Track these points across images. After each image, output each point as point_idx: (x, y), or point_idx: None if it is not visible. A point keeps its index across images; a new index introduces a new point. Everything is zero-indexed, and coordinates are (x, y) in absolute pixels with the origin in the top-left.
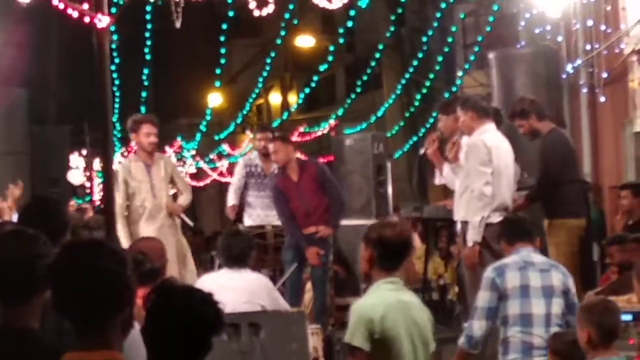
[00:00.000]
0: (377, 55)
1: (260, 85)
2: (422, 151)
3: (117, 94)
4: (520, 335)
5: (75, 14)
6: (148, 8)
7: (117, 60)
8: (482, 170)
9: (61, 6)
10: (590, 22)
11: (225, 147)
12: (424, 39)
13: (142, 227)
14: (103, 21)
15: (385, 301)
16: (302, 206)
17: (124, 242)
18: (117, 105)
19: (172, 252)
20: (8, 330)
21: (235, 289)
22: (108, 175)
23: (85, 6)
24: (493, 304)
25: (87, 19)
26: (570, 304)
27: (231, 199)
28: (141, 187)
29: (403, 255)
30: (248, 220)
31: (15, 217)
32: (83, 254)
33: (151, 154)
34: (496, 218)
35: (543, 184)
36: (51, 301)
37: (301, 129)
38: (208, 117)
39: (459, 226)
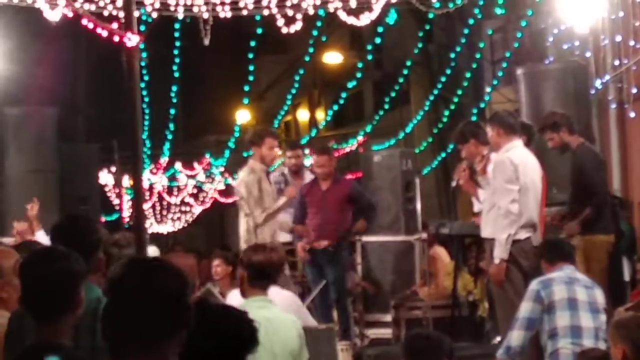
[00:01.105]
0: (405, 71)
1: (288, 102)
2: (454, 184)
3: (147, 111)
4: (571, 347)
5: (104, 34)
6: (177, 26)
7: (146, 78)
8: (508, 187)
9: (90, 26)
10: (618, 38)
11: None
12: (452, 55)
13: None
14: (132, 40)
15: None
16: (318, 216)
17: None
18: (146, 123)
19: None
20: (41, 346)
21: None
22: (138, 192)
23: (115, 25)
24: (534, 316)
25: (116, 38)
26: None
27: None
28: (265, 196)
29: (271, 277)
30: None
31: (38, 235)
32: (146, 273)
33: (268, 167)
34: (523, 235)
35: (600, 193)
36: (107, 319)
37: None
38: (236, 134)
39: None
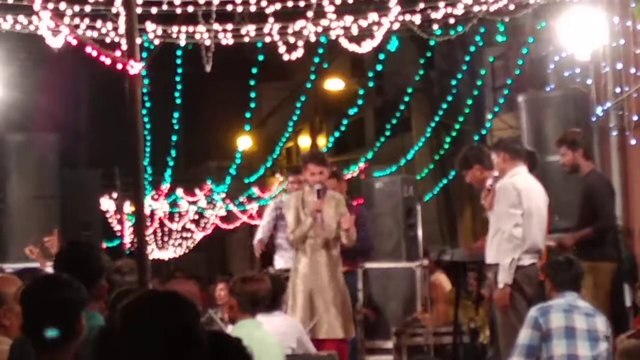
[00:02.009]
0: (406, 98)
1: (290, 128)
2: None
3: (148, 137)
4: None
5: (107, 61)
6: (178, 52)
7: (148, 104)
8: (511, 212)
9: (94, 53)
10: (619, 65)
11: (255, 190)
12: (454, 82)
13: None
14: (135, 67)
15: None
16: None
17: None
18: (147, 149)
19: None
20: None
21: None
22: (140, 219)
23: (118, 53)
24: (534, 342)
25: (119, 66)
26: (611, 351)
27: (259, 234)
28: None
29: (259, 305)
30: (280, 262)
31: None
32: (159, 306)
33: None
34: (527, 260)
35: (606, 219)
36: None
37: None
38: (238, 161)
39: (489, 269)
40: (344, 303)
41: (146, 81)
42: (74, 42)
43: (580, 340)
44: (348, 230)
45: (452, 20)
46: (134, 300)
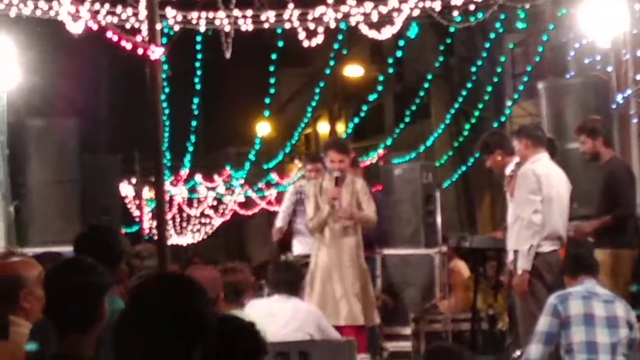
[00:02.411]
0: (426, 85)
1: (308, 114)
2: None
3: (167, 123)
4: None
5: (128, 46)
6: (198, 38)
7: (167, 90)
8: (531, 198)
9: (115, 38)
10: None
11: (274, 176)
12: (473, 68)
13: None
14: (156, 52)
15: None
16: None
17: None
18: (167, 135)
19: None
20: (63, 357)
21: (285, 318)
22: (160, 203)
23: (139, 38)
24: (553, 330)
25: (140, 51)
26: (632, 338)
27: (279, 222)
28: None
29: (242, 294)
30: (298, 247)
31: None
32: (171, 288)
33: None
34: (548, 247)
35: (626, 207)
36: (124, 336)
37: None
38: (257, 147)
39: (510, 256)
40: (366, 290)
41: (166, 67)
42: (95, 27)
43: (599, 328)
44: (334, 199)
45: (472, 7)
46: (144, 282)
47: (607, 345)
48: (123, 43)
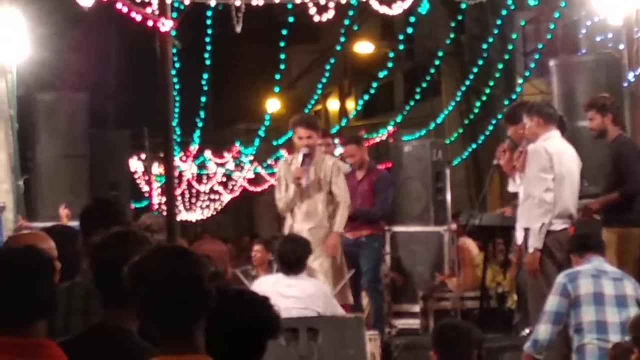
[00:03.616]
0: (437, 62)
1: (319, 91)
2: (495, 162)
3: (177, 98)
4: (597, 342)
5: (138, 18)
6: (208, 13)
7: (177, 65)
8: (542, 176)
9: (125, 10)
10: None
11: (284, 153)
12: (484, 46)
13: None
14: (166, 25)
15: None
16: (352, 204)
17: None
18: (176, 110)
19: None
20: (106, 327)
21: (292, 295)
22: (170, 179)
23: (149, 9)
24: (562, 309)
25: (150, 23)
26: None
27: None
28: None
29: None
30: None
31: None
32: (167, 261)
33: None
34: (559, 225)
35: (634, 184)
36: (135, 308)
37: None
38: (267, 123)
39: (519, 234)
40: (335, 269)
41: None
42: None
43: (609, 307)
44: (298, 179)
45: None
46: (144, 255)
47: (616, 324)
48: (133, 15)
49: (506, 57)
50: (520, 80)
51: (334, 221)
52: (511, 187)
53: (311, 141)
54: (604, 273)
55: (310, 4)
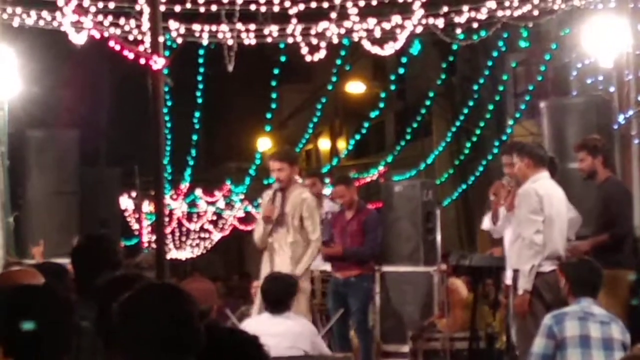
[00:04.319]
0: (428, 102)
1: (310, 130)
2: (491, 198)
3: (169, 136)
4: None
5: (131, 56)
6: (201, 52)
7: (169, 103)
8: (533, 218)
9: (117, 47)
10: None
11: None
12: (475, 87)
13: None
14: (159, 63)
15: None
16: (341, 244)
17: None
18: (168, 148)
19: None
20: None
21: (278, 334)
22: (160, 217)
23: (142, 47)
24: (548, 351)
25: (142, 61)
26: None
27: None
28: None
29: None
30: None
31: None
32: (157, 297)
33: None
34: (548, 267)
35: (624, 226)
36: (119, 344)
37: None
38: (257, 162)
39: (508, 275)
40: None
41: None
42: (98, 36)
43: (595, 350)
44: (267, 217)
45: (475, 25)
46: (133, 293)
47: None
48: (125, 52)
49: (497, 98)
50: (510, 122)
51: (300, 261)
52: (484, 225)
53: (282, 174)
54: (592, 315)
55: (302, 44)
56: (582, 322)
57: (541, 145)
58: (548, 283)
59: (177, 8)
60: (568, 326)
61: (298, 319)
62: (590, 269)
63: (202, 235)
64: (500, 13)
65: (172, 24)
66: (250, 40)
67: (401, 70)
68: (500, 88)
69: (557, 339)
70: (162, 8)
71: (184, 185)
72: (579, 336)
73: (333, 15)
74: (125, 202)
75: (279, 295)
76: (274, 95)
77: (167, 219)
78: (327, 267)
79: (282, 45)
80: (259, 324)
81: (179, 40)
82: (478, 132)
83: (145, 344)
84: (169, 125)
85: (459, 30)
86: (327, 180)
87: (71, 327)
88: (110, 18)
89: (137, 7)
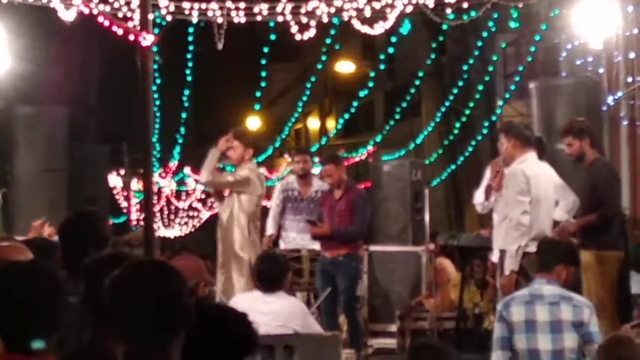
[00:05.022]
0: (417, 82)
1: (299, 109)
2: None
3: (158, 114)
4: None
5: (120, 32)
6: (190, 29)
7: (158, 81)
8: (519, 199)
9: (106, 23)
10: (632, 55)
11: (263, 171)
12: (465, 67)
13: None
14: (147, 39)
15: None
16: (329, 223)
17: None
18: (157, 126)
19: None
20: (90, 351)
21: (270, 312)
22: (149, 195)
23: (131, 24)
24: (505, 334)
25: (131, 37)
26: (586, 333)
27: (270, 227)
28: None
29: None
30: (283, 244)
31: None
32: (147, 274)
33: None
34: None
35: (612, 207)
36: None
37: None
38: None
39: (495, 255)
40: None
41: (157, 58)
42: (87, 12)
43: (541, 334)
44: None
45: (465, 5)
46: (122, 270)
47: (548, 352)
48: (114, 29)
49: (486, 78)
50: (500, 102)
51: None
52: (475, 200)
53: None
54: (539, 298)
55: (292, 23)
56: (528, 307)
57: (528, 126)
58: (535, 263)
59: None
60: (514, 311)
61: (289, 298)
62: (552, 246)
63: (191, 213)
64: None
65: (162, 1)
66: (240, 18)
67: (391, 50)
68: (490, 68)
69: (507, 323)
70: None
71: (173, 163)
72: (524, 321)
73: None
74: (114, 180)
75: (272, 275)
76: (263, 74)
77: (155, 197)
78: (316, 245)
79: (271, 24)
80: (250, 301)
81: (169, 18)
82: (467, 112)
83: (136, 320)
84: (158, 102)
85: (449, 10)
86: (317, 159)
87: (58, 304)
88: None
89: None
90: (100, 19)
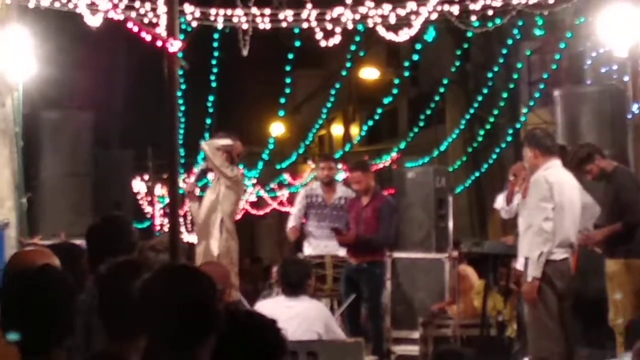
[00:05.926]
0: (441, 89)
1: (323, 116)
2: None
3: (182, 119)
4: None
5: (148, 38)
6: (216, 35)
7: (183, 87)
8: (542, 205)
9: (135, 29)
10: None
11: (286, 177)
12: (489, 75)
13: None
14: (175, 45)
15: None
16: (355, 229)
17: None
18: (181, 131)
19: None
20: (107, 357)
21: (293, 317)
22: (174, 199)
23: (159, 30)
24: None
25: (159, 43)
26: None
27: (291, 222)
28: None
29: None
30: (308, 249)
31: None
32: (174, 279)
33: None
34: (560, 255)
35: (636, 214)
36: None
37: None
38: (270, 146)
39: (520, 263)
40: None
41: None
42: (115, 17)
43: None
44: None
45: (490, 12)
46: (151, 275)
47: None
48: (142, 34)
49: (511, 86)
50: (524, 110)
51: None
52: (497, 204)
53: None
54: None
55: (317, 29)
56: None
57: (549, 134)
58: (559, 271)
59: None
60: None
61: (313, 302)
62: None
63: None
64: (515, 1)
65: (188, 8)
66: (265, 24)
67: (415, 57)
68: (515, 76)
69: None
70: None
71: (197, 169)
72: None
73: (348, 0)
74: (138, 185)
75: (298, 279)
76: (288, 80)
77: (180, 203)
78: (341, 252)
79: (296, 30)
80: (275, 306)
81: (194, 24)
82: (492, 120)
83: (167, 324)
84: (182, 108)
85: (473, 18)
86: (340, 165)
87: (70, 309)
88: (125, 0)
89: None
90: (129, 25)
